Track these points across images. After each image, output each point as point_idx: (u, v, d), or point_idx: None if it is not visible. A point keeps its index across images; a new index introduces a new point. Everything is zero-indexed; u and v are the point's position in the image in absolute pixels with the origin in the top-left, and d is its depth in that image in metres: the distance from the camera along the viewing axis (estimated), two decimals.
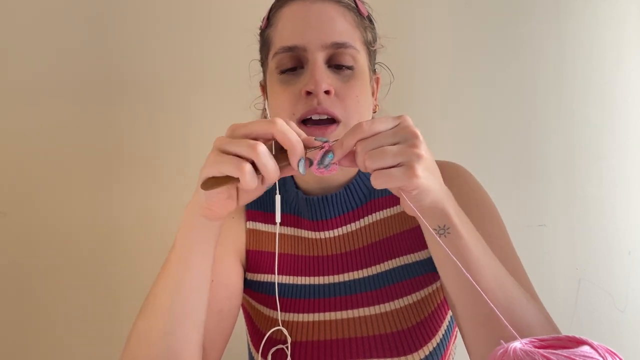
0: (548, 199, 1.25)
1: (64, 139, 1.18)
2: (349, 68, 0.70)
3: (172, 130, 1.20)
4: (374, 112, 0.79)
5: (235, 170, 0.51)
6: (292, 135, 0.52)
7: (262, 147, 0.51)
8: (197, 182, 0.56)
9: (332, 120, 0.68)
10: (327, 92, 0.68)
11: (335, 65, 0.70)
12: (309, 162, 0.54)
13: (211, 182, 0.53)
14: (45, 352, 1.16)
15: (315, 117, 0.68)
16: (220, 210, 0.58)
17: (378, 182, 0.52)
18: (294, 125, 0.55)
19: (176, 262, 0.61)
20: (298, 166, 0.53)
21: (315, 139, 0.54)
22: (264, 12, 0.78)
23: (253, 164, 0.52)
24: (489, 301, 0.50)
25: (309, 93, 0.68)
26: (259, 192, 0.58)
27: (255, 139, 0.53)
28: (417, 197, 0.54)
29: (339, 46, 0.69)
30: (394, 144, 0.52)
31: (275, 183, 0.72)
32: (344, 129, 0.69)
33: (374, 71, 0.79)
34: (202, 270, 0.61)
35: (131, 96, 1.20)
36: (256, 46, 0.80)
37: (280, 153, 0.54)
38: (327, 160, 0.54)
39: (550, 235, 1.24)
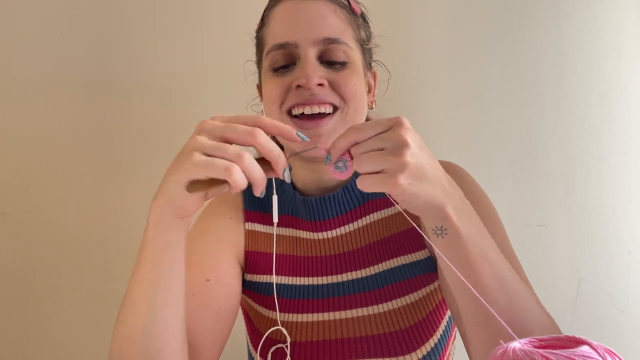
0: (548, 199, 1.24)
1: (64, 139, 1.18)
2: (341, 64, 0.70)
3: (171, 130, 1.19)
4: (370, 108, 0.79)
5: (225, 173, 0.50)
6: (274, 148, 0.52)
7: (249, 159, 0.51)
8: (164, 183, 0.55)
9: (325, 114, 0.69)
10: (320, 86, 0.68)
11: (327, 61, 0.70)
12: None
13: (198, 185, 0.53)
14: (45, 352, 1.16)
15: (307, 111, 0.68)
16: (193, 209, 0.57)
17: (360, 186, 0.53)
18: (277, 124, 0.54)
19: (150, 264, 0.59)
20: (284, 176, 0.54)
21: (297, 134, 0.55)
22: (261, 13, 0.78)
23: None
24: (484, 301, 0.49)
25: (299, 87, 0.68)
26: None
27: (230, 142, 0.53)
28: (405, 202, 0.54)
29: (331, 42, 0.69)
30: (381, 149, 0.52)
31: (272, 183, 0.72)
32: (341, 117, 0.69)
33: (370, 69, 0.79)
34: (177, 268, 0.60)
35: (131, 97, 1.20)
36: (254, 48, 0.80)
37: (263, 158, 0.54)
38: (340, 164, 0.55)
39: (550, 235, 1.24)
